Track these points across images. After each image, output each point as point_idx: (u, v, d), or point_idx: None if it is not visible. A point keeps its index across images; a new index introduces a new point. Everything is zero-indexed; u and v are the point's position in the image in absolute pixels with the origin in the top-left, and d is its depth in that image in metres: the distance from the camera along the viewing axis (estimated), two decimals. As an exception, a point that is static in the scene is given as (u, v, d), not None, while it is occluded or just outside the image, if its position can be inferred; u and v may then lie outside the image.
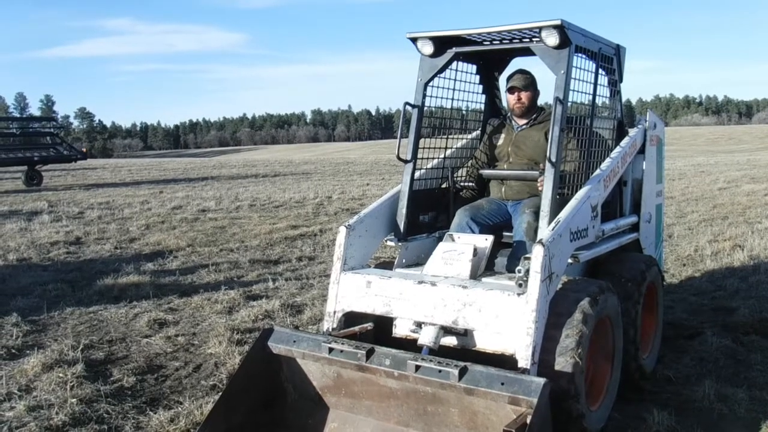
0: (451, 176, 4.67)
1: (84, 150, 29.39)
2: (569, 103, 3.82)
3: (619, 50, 4.52)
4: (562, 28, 3.65)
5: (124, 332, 5.68)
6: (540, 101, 4.54)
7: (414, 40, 4.23)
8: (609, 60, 4.39)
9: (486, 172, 4.60)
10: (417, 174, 4.37)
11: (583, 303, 3.43)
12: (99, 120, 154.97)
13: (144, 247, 9.81)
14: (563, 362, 3.26)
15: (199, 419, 3.83)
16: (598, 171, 4.11)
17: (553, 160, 3.66)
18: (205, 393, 4.32)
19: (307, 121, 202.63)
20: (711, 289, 6.79)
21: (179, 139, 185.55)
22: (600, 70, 4.23)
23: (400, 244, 4.23)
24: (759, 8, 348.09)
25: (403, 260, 4.23)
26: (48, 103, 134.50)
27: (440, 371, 3.04)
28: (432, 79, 4.31)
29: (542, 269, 3.26)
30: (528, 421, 2.75)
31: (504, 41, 4.19)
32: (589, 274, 4.29)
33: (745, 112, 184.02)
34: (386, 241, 4.28)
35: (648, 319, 4.57)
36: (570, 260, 3.73)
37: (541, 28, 3.72)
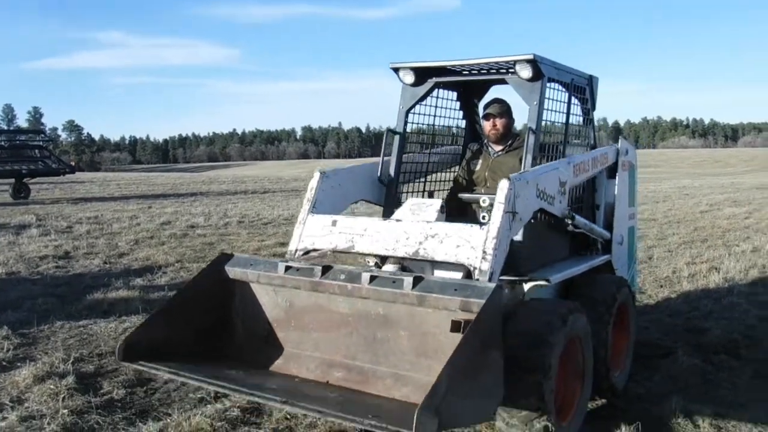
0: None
1: (73, 163, 29.32)
2: (543, 132, 4.04)
3: (591, 80, 4.75)
4: (534, 62, 3.88)
5: (114, 346, 5.77)
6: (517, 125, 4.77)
7: (396, 70, 4.45)
8: (581, 90, 4.62)
9: (465, 196, 4.77)
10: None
11: (552, 323, 3.48)
12: (87, 133, 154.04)
13: (133, 263, 9.90)
14: (532, 381, 3.29)
15: (187, 430, 3.98)
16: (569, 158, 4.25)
17: None
18: (193, 405, 4.45)
19: (297, 137, 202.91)
20: (686, 309, 6.98)
21: (168, 153, 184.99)
22: (573, 100, 4.47)
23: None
24: (747, 31, 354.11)
25: None
26: (36, 115, 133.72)
27: (395, 281, 3.05)
28: (413, 106, 4.53)
29: (506, 201, 3.36)
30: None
31: (482, 72, 4.42)
32: (561, 296, 4.42)
33: (731, 135, 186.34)
34: (366, 260, 4.43)
35: (619, 338, 4.69)
36: (542, 282, 3.90)
37: (515, 62, 3.95)
